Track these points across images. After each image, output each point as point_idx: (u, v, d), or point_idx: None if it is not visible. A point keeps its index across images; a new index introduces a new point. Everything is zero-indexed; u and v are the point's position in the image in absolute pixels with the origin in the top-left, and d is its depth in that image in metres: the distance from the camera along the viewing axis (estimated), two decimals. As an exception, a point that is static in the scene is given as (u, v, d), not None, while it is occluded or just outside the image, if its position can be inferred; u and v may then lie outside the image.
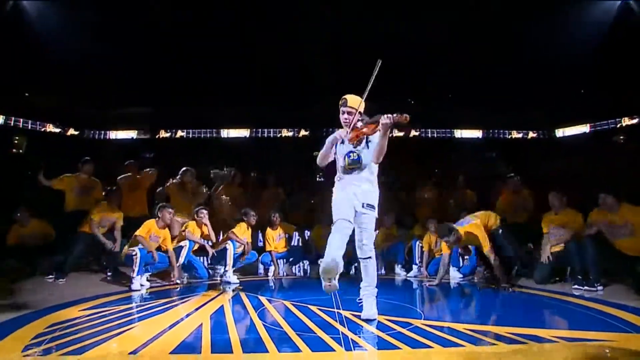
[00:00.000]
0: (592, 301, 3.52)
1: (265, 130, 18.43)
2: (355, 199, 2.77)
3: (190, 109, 16.93)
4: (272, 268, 5.38)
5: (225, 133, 18.49)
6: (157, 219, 4.72)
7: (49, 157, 5.57)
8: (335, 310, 3.16)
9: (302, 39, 12.53)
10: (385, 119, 2.56)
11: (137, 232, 4.57)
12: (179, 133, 18.40)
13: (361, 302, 2.92)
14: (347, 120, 2.84)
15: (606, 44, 9.41)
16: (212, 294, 3.99)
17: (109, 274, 5.17)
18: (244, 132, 18.40)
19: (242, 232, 5.20)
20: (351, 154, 2.83)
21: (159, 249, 4.74)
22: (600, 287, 3.96)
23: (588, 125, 15.06)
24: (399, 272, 5.37)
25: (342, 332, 2.56)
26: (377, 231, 5.70)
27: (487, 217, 4.58)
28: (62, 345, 2.30)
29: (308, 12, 10.82)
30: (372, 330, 2.62)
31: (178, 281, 4.67)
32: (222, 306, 3.41)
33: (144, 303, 3.62)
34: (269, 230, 5.51)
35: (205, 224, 5.13)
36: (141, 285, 4.41)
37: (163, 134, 17.63)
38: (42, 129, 16.20)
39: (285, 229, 5.72)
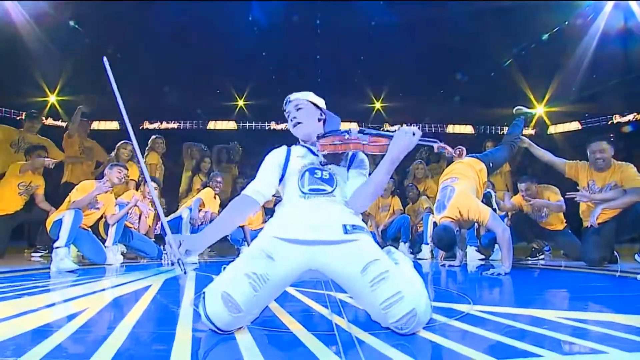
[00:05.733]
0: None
1: (254, 123, 17.22)
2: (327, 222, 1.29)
3: (176, 101, 15.65)
4: (244, 247, 4.06)
5: (212, 125, 17.21)
6: (103, 179, 3.39)
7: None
8: (325, 292, 1.88)
9: (289, 30, 11.42)
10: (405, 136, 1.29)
11: (73, 197, 3.23)
12: (165, 124, 17.06)
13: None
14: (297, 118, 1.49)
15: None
16: (150, 274, 2.67)
17: (34, 255, 3.84)
18: (231, 125, 17.14)
19: (210, 199, 3.92)
20: (316, 172, 1.40)
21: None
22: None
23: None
24: (405, 252, 4.07)
25: (334, 323, 1.28)
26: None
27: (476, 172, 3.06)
28: None
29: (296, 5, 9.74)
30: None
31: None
32: (148, 287, 2.08)
33: (32, 281, 2.25)
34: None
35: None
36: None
37: (147, 125, 16.29)
38: (18, 118, 14.72)
39: (262, 201, 4.42)
